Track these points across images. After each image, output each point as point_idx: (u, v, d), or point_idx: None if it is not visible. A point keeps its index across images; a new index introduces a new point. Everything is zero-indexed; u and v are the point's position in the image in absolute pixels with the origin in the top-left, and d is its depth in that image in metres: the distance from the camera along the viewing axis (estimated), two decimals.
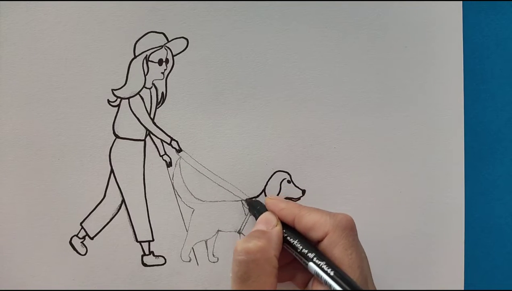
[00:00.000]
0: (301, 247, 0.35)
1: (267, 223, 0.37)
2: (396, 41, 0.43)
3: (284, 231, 0.37)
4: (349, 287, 0.32)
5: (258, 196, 0.43)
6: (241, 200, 0.43)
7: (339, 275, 0.32)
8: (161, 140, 0.42)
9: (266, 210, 0.39)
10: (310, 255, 0.34)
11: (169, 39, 0.42)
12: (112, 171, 0.42)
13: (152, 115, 0.42)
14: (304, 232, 0.36)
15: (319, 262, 0.34)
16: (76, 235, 0.42)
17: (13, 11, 0.41)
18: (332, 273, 0.33)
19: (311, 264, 0.34)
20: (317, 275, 0.33)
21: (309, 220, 0.36)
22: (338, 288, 0.32)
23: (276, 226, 0.37)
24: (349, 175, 0.44)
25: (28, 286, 0.42)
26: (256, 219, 0.39)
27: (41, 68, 0.41)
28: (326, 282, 0.33)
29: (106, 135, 0.42)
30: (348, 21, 0.43)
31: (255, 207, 0.41)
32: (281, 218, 0.38)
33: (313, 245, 0.36)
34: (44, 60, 0.41)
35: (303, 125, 0.43)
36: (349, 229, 0.35)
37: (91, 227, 0.42)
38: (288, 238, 0.36)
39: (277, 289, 0.34)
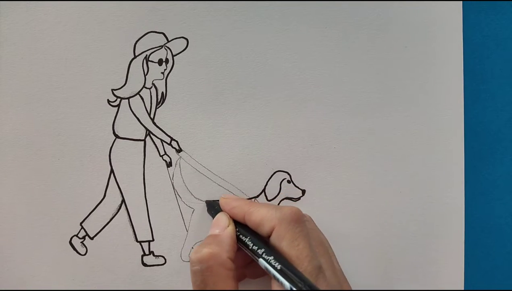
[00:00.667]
0: (251, 244, 0.35)
1: (219, 225, 0.37)
2: (396, 41, 0.43)
3: (237, 229, 0.37)
4: (295, 279, 0.32)
5: (258, 196, 0.43)
6: None
7: (286, 268, 0.32)
8: (161, 140, 0.42)
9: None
10: (260, 251, 0.34)
11: (169, 39, 0.42)
12: (112, 171, 0.42)
13: (152, 115, 0.42)
14: (254, 228, 0.37)
15: (267, 257, 0.34)
16: (76, 235, 0.42)
17: (13, 11, 0.41)
18: (279, 267, 0.33)
19: (260, 260, 0.34)
20: (267, 270, 0.33)
21: (257, 216, 0.36)
22: (284, 281, 0.32)
23: (228, 226, 0.37)
24: (349, 175, 0.44)
25: (28, 286, 0.42)
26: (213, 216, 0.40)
27: (41, 68, 0.41)
28: (274, 277, 0.33)
29: (106, 135, 0.42)
30: (348, 21, 0.43)
31: (213, 207, 0.41)
32: (233, 216, 0.38)
33: (264, 240, 0.36)
34: (44, 60, 0.41)
35: (303, 125, 0.43)
36: (295, 220, 0.35)
37: (91, 227, 0.42)
38: (241, 236, 0.37)
39: (251, 288, 0.34)
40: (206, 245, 0.35)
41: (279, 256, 0.34)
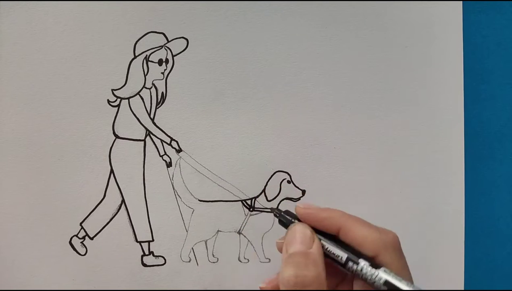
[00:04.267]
0: (351, 264, 0.31)
1: (304, 241, 0.31)
2: (396, 41, 0.43)
3: (324, 243, 0.32)
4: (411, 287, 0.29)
5: (258, 196, 0.43)
6: (241, 200, 0.43)
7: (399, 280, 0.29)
8: (161, 140, 0.42)
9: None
10: (362, 268, 0.30)
11: (169, 39, 0.42)
12: (112, 171, 0.42)
13: (152, 115, 0.42)
14: (350, 245, 0.32)
15: (375, 271, 0.30)
16: (76, 235, 0.42)
17: (13, 11, 0.41)
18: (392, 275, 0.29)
19: (371, 274, 0.30)
20: (372, 284, 0.30)
21: (358, 235, 0.31)
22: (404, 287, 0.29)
23: (314, 241, 0.31)
24: (349, 175, 0.44)
25: (28, 286, 0.42)
26: (285, 227, 0.33)
27: (41, 68, 0.41)
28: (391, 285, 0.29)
29: (106, 135, 0.42)
30: (348, 21, 0.43)
31: (287, 219, 0.34)
32: (323, 228, 0.32)
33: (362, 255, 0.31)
34: (44, 60, 0.41)
35: (303, 125, 0.43)
36: (398, 249, 0.32)
37: (91, 227, 0.42)
38: (333, 253, 0.31)
39: None
40: (304, 266, 0.30)
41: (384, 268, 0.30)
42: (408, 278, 0.31)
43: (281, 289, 0.30)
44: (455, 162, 0.44)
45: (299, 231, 0.32)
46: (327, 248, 0.31)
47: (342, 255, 0.31)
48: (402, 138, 0.44)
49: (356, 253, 0.31)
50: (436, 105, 0.44)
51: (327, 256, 0.31)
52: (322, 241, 0.32)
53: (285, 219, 0.34)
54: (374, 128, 0.44)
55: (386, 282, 0.29)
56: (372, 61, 0.43)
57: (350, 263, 0.30)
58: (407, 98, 0.44)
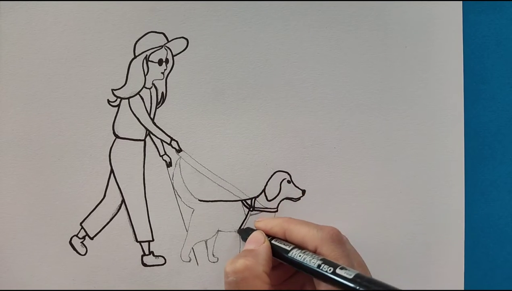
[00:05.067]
0: (297, 258, 0.35)
1: (255, 242, 0.38)
2: (396, 41, 0.43)
3: (277, 248, 0.37)
4: (349, 275, 0.32)
5: (258, 196, 0.43)
6: (241, 200, 0.43)
7: (339, 268, 0.33)
8: (161, 140, 0.42)
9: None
10: (308, 261, 0.35)
11: (169, 39, 0.42)
12: (112, 171, 0.42)
13: (152, 115, 0.42)
14: (294, 243, 0.37)
15: (317, 263, 0.34)
16: (76, 235, 0.42)
17: (13, 11, 0.41)
18: (330, 270, 0.33)
19: (311, 269, 0.34)
20: (320, 276, 0.33)
21: (298, 234, 0.37)
22: (341, 280, 0.32)
23: (264, 242, 0.37)
24: (349, 175, 0.44)
25: (28, 286, 0.42)
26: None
27: (41, 68, 0.41)
28: (330, 279, 0.33)
29: (106, 135, 0.42)
30: (348, 21, 0.43)
31: (248, 233, 0.40)
32: (274, 235, 0.39)
33: (307, 251, 0.36)
34: (44, 60, 0.41)
35: (303, 125, 0.43)
36: (337, 241, 0.36)
37: (91, 227, 0.42)
38: (283, 253, 0.37)
39: None
40: (241, 257, 0.35)
41: (327, 261, 0.34)
42: (346, 264, 0.34)
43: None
44: (455, 162, 0.44)
45: (253, 235, 0.39)
46: (277, 249, 0.37)
47: (288, 248, 0.36)
48: (402, 138, 0.44)
49: (300, 250, 0.36)
50: (436, 105, 0.44)
51: (281, 258, 0.37)
52: (273, 243, 0.38)
53: (246, 233, 0.41)
54: (374, 128, 0.44)
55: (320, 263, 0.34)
56: (372, 61, 0.43)
57: (294, 251, 0.36)
58: (407, 98, 0.44)
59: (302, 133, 0.43)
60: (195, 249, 0.43)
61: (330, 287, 0.33)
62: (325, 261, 0.34)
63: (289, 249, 0.36)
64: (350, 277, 0.31)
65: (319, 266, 0.33)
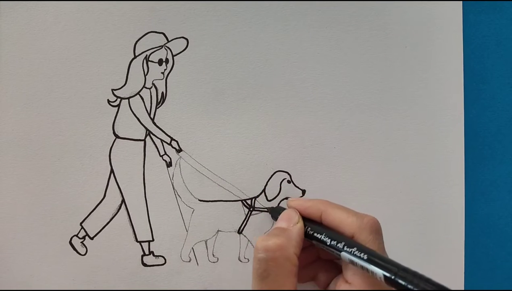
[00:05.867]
0: (329, 240, 0.35)
1: (289, 220, 0.37)
2: (396, 41, 0.43)
3: (309, 228, 0.36)
4: (387, 265, 0.31)
5: (258, 196, 0.43)
6: (241, 200, 0.43)
7: (373, 256, 0.32)
8: (161, 140, 0.42)
9: None
10: (340, 245, 0.34)
11: (169, 39, 0.42)
12: (112, 171, 0.42)
13: (152, 115, 0.42)
14: (330, 227, 0.36)
15: (350, 249, 0.33)
16: (76, 235, 0.42)
17: (13, 11, 0.41)
18: (365, 257, 0.32)
19: (343, 253, 0.34)
20: (352, 262, 0.33)
21: (336, 218, 0.36)
22: (375, 268, 0.31)
23: (298, 223, 0.36)
24: (349, 175, 0.44)
25: (28, 286, 0.42)
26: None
27: (41, 68, 0.41)
28: (363, 267, 0.32)
29: (106, 135, 0.42)
30: (348, 21, 0.43)
31: (279, 212, 0.39)
32: (308, 215, 0.38)
33: (342, 236, 0.35)
34: (44, 60, 0.41)
35: (303, 125, 0.43)
36: (375, 232, 0.35)
37: (91, 227, 0.42)
38: (315, 234, 0.36)
39: (298, 289, 0.34)
40: (274, 235, 0.34)
41: (360, 246, 0.33)
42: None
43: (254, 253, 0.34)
44: (455, 162, 0.44)
45: (286, 212, 0.38)
46: (313, 232, 0.36)
47: (323, 237, 0.35)
48: (402, 138, 0.44)
49: (335, 233, 0.35)
50: (436, 105, 0.44)
51: (312, 238, 0.36)
52: (310, 226, 0.37)
53: (277, 212, 0.39)
54: (374, 128, 0.44)
55: (351, 260, 0.33)
56: (372, 61, 0.43)
57: (333, 242, 0.35)
58: (407, 98, 0.44)
59: (302, 133, 0.43)
60: (195, 249, 0.43)
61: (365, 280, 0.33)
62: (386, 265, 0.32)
63: (330, 240, 0.35)
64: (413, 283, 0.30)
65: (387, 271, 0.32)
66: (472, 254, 0.45)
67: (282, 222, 0.37)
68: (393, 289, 0.31)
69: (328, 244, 0.35)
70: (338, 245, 0.34)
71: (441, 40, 0.44)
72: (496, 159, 0.46)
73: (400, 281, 0.30)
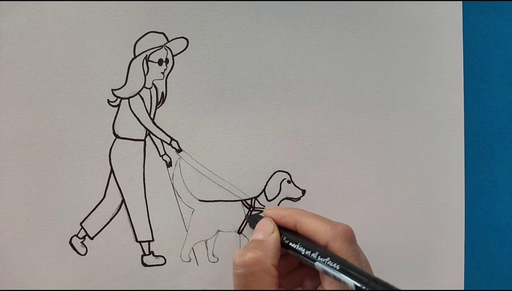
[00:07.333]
0: (304, 250, 0.35)
1: (264, 230, 0.37)
2: (396, 41, 0.43)
3: (285, 237, 0.37)
4: (358, 275, 0.32)
5: (258, 196, 0.43)
6: (241, 200, 0.43)
7: (346, 267, 0.33)
8: (161, 140, 0.42)
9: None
10: (314, 255, 0.34)
11: (169, 39, 0.42)
12: (112, 171, 0.42)
13: (152, 115, 0.42)
14: (305, 236, 0.37)
15: (324, 259, 0.34)
16: (76, 235, 0.42)
17: (13, 11, 0.41)
18: (338, 267, 0.33)
19: (317, 263, 0.34)
20: (325, 272, 0.33)
21: (310, 227, 0.36)
22: (347, 279, 0.32)
23: (273, 232, 0.37)
24: (349, 175, 0.44)
25: (28, 286, 0.42)
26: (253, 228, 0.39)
27: (41, 68, 0.41)
28: (335, 277, 0.33)
29: (106, 135, 0.42)
30: (348, 21, 0.43)
31: (256, 220, 0.40)
32: (284, 225, 0.38)
33: (317, 245, 0.36)
34: (44, 60, 0.41)
35: (303, 125, 0.43)
36: (349, 240, 0.35)
37: (91, 227, 0.42)
38: (290, 243, 0.36)
39: None
40: (251, 249, 0.35)
41: (334, 256, 0.34)
42: (355, 264, 0.34)
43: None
44: (455, 161, 0.44)
45: (262, 222, 0.38)
46: (288, 241, 0.36)
47: (298, 246, 0.36)
48: (402, 138, 0.44)
49: (310, 242, 0.35)
50: (436, 105, 0.44)
51: (288, 247, 0.36)
52: (285, 236, 0.37)
53: (254, 220, 0.40)
54: (374, 128, 0.44)
55: (324, 270, 0.33)
56: (372, 61, 0.43)
57: (307, 252, 0.35)
58: (407, 98, 0.44)
59: (302, 133, 0.43)
60: (195, 249, 0.43)
61: (337, 286, 0.33)
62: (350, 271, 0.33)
63: (304, 251, 0.35)
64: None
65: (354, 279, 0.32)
66: (472, 254, 0.45)
67: (258, 233, 0.37)
68: None
69: (302, 253, 0.35)
70: (312, 255, 0.34)
71: (441, 40, 0.44)
72: (496, 159, 0.46)
73: None
